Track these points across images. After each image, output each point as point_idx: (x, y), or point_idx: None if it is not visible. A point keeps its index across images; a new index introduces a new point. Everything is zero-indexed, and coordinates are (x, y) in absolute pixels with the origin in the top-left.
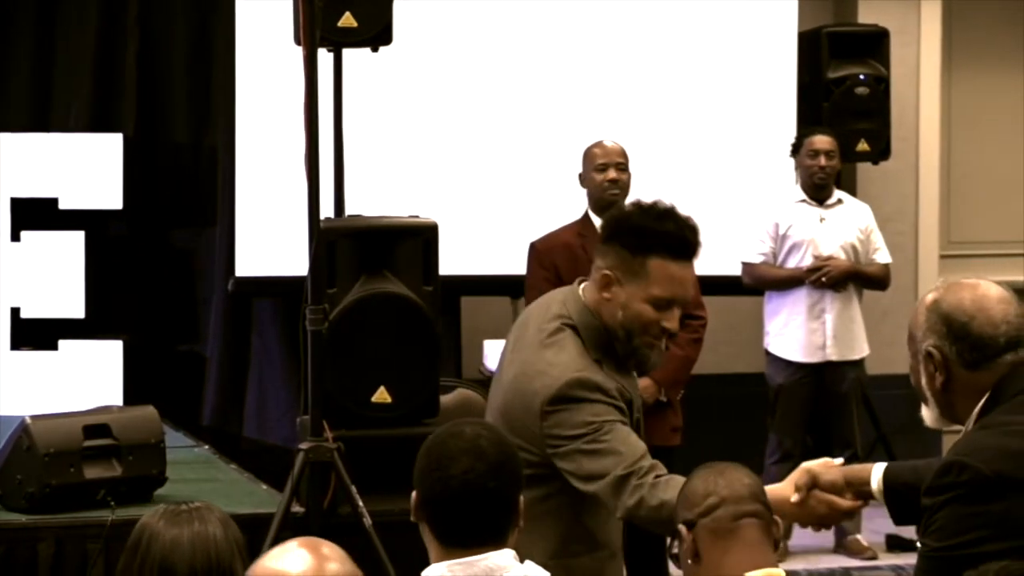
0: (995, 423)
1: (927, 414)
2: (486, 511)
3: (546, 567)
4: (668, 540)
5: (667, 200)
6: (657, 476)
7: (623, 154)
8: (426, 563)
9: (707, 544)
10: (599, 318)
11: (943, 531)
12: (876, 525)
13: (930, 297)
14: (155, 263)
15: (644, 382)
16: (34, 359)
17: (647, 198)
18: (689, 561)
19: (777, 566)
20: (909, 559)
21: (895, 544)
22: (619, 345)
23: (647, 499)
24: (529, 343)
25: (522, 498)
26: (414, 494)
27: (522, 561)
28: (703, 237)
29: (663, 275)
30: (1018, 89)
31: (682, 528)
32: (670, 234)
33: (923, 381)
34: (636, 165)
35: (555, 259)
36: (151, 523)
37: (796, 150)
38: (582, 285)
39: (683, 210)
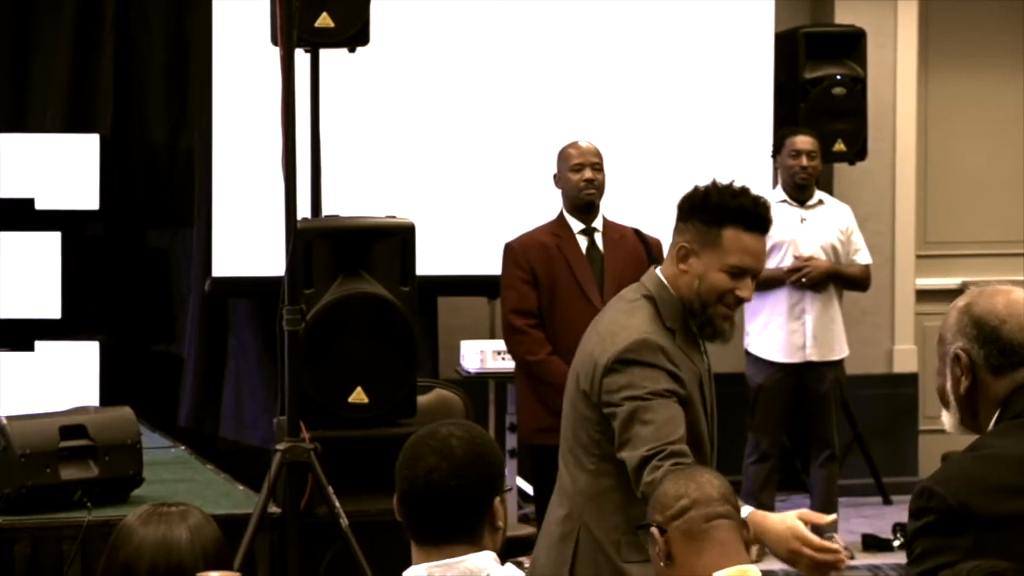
0: (980, 445)
1: (947, 419)
2: (451, 510)
3: (618, 543)
4: None
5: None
6: (677, 462)
7: (598, 154)
8: (403, 563)
9: (680, 546)
10: (676, 291)
11: (921, 558)
12: (852, 525)
13: (963, 301)
14: (131, 263)
15: None
16: (10, 360)
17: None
18: (662, 564)
19: (750, 565)
20: (885, 558)
21: (871, 544)
22: (694, 317)
23: (660, 482)
24: (605, 314)
25: (498, 499)
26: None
27: (592, 534)
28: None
29: (738, 245)
30: (994, 89)
31: (654, 531)
32: (744, 207)
33: (948, 385)
34: (612, 165)
35: (531, 259)
36: (129, 521)
37: (777, 150)
38: (658, 267)
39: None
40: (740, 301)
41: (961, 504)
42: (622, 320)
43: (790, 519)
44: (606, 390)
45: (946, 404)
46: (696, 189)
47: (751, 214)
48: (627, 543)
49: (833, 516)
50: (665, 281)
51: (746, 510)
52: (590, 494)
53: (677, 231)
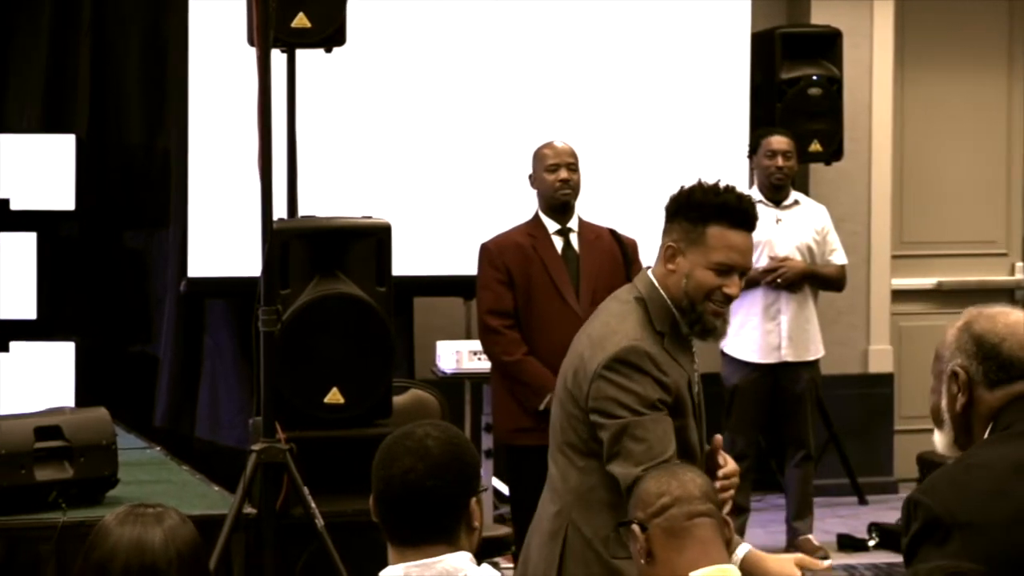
0: (966, 455)
1: (940, 440)
2: (427, 510)
3: (607, 539)
4: None
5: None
6: None
7: (573, 154)
8: (378, 564)
9: (661, 543)
10: (666, 291)
11: (913, 566)
12: (828, 525)
13: (962, 320)
14: (107, 264)
15: None
16: None
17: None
18: (643, 561)
19: (729, 564)
20: (860, 558)
21: (846, 543)
22: (684, 316)
23: (642, 480)
24: (598, 316)
25: (474, 500)
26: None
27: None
28: (657, 238)
29: (723, 242)
30: (970, 90)
31: (635, 529)
32: (728, 204)
33: (943, 403)
34: (589, 166)
35: (506, 259)
36: (106, 522)
37: (753, 150)
38: (650, 268)
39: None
40: (729, 298)
41: (946, 510)
42: (613, 324)
43: (788, 565)
44: (594, 396)
45: (939, 423)
46: (681, 189)
47: (735, 210)
48: (615, 539)
49: (828, 562)
50: (655, 282)
51: (744, 548)
52: (579, 491)
53: (665, 231)
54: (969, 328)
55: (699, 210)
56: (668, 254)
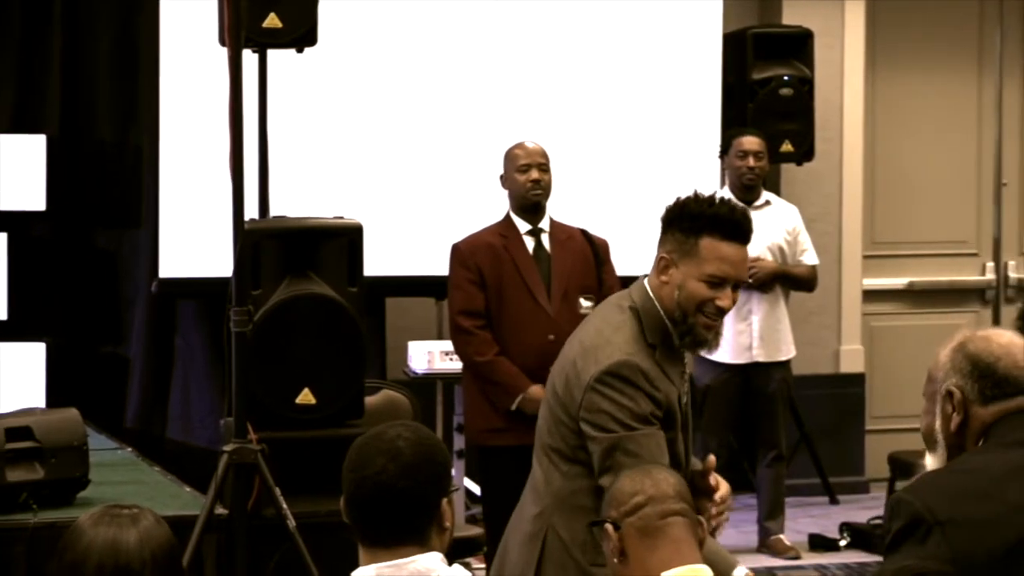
0: (955, 462)
1: (932, 463)
2: (399, 511)
3: (585, 545)
4: None
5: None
6: None
7: (544, 155)
8: (350, 564)
9: (634, 542)
10: (659, 301)
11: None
12: (799, 525)
13: (955, 341)
14: (79, 264)
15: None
16: None
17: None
18: (616, 560)
19: (702, 564)
20: (832, 558)
21: (818, 543)
22: (676, 327)
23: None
24: (591, 321)
25: (445, 500)
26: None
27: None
28: (629, 238)
29: (715, 254)
30: (941, 90)
31: (609, 528)
32: (720, 215)
33: (937, 424)
34: (560, 166)
35: (478, 260)
36: (80, 522)
37: (725, 151)
38: (647, 277)
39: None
40: (721, 311)
41: (927, 508)
42: (607, 333)
43: None
44: (586, 408)
45: (931, 445)
46: (677, 199)
47: (728, 222)
48: (594, 546)
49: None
50: (650, 292)
51: (741, 571)
52: (561, 495)
53: (660, 242)
54: (963, 348)
55: (692, 221)
56: (661, 265)
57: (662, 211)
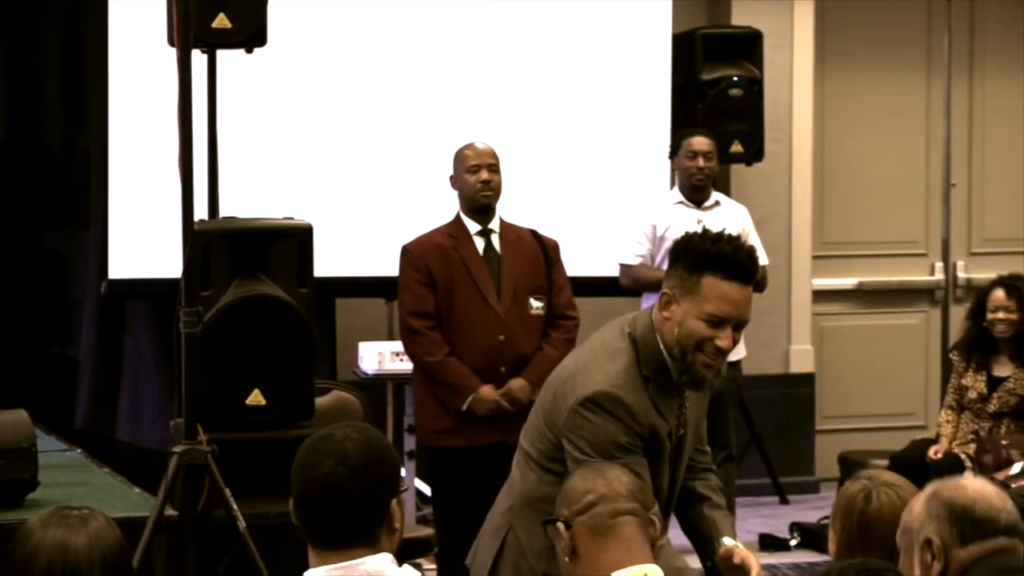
0: None
1: None
2: (348, 513)
3: (542, 552)
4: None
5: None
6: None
7: (494, 155)
8: (301, 566)
9: (585, 541)
10: (660, 336)
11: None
12: (749, 524)
13: (927, 491)
14: (27, 265)
15: (518, 382)
16: None
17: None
18: (567, 559)
19: (652, 564)
20: (782, 558)
21: (768, 543)
22: (675, 364)
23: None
24: (593, 340)
25: (395, 501)
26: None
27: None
28: (579, 238)
29: (716, 293)
30: (890, 90)
31: (560, 526)
32: (723, 254)
33: (916, 574)
34: (510, 167)
35: (428, 261)
36: (30, 523)
37: (674, 151)
38: (653, 308)
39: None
40: (721, 352)
41: None
42: (602, 360)
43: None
44: (568, 427)
45: None
46: (684, 234)
47: (730, 261)
48: (550, 554)
49: None
50: (654, 325)
51: (729, 540)
52: (529, 497)
53: (665, 277)
54: (938, 496)
55: (695, 258)
56: (663, 301)
57: (672, 245)
